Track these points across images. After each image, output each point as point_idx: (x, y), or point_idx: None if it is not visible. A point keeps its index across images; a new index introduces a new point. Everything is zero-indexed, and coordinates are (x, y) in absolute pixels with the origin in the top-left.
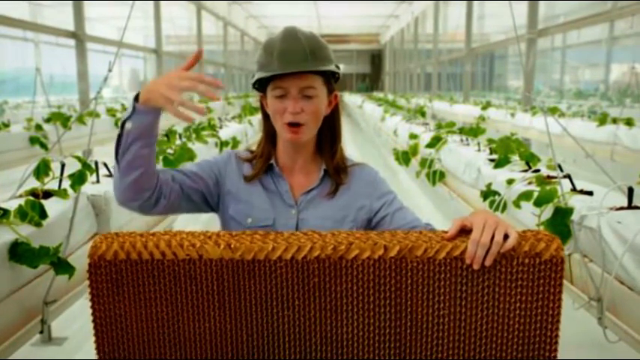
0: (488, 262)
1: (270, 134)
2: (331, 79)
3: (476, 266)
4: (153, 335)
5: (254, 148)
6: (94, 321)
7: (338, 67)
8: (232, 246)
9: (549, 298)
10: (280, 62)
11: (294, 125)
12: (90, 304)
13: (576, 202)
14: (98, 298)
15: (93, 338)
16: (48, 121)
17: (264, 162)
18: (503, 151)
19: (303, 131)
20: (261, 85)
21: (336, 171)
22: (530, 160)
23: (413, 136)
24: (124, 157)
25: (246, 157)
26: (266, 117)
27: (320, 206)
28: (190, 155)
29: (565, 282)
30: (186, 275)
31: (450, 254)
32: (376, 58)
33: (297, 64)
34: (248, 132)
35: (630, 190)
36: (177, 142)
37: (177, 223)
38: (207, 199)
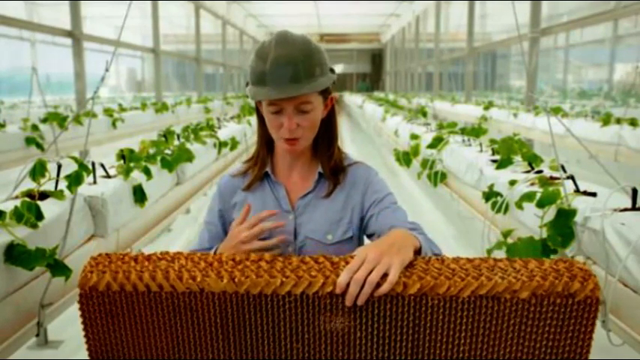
0: (360, 302)
1: (265, 139)
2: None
3: (348, 303)
4: None
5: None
6: (89, 352)
7: (333, 71)
8: (236, 280)
9: (579, 337)
10: (273, 80)
11: (290, 139)
12: (83, 333)
13: (580, 203)
14: (92, 328)
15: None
16: (44, 121)
17: (259, 170)
18: (506, 151)
19: (300, 143)
20: None
21: (333, 172)
22: (532, 160)
23: (414, 137)
24: None
25: (240, 172)
26: (262, 120)
27: (317, 209)
28: (189, 156)
29: None
30: (186, 307)
31: (475, 292)
32: (377, 58)
33: (290, 86)
34: (247, 132)
35: (634, 192)
36: (176, 142)
37: (175, 224)
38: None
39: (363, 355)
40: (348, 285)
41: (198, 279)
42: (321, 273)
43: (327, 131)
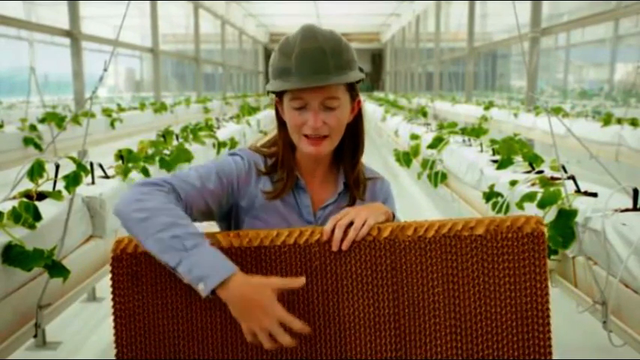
0: (344, 246)
1: (289, 143)
2: (355, 84)
3: (334, 247)
4: (168, 325)
5: (259, 143)
6: (114, 313)
7: (362, 70)
8: (240, 233)
9: (535, 271)
10: (299, 72)
11: (314, 138)
12: (111, 296)
13: (580, 203)
14: (119, 290)
15: (88, 343)
16: (42, 121)
17: (288, 177)
18: (506, 151)
19: (324, 144)
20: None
21: (355, 184)
22: (533, 161)
23: (414, 137)
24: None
25: (266, 170)
26: (282, 124)
27: None
28: (187, 156)
29: (569, 285)
30: None
31: (439, 232)
32: (377, 57)
33: (318, 76)
34: (246, 132)
35: (635, 192)
36: (175, 142)
37: None
38: (216, 214)
39: (350, 302)
40: (332, 233)
41: (209, 235)
42: (310, 227)
43: (353, 138)
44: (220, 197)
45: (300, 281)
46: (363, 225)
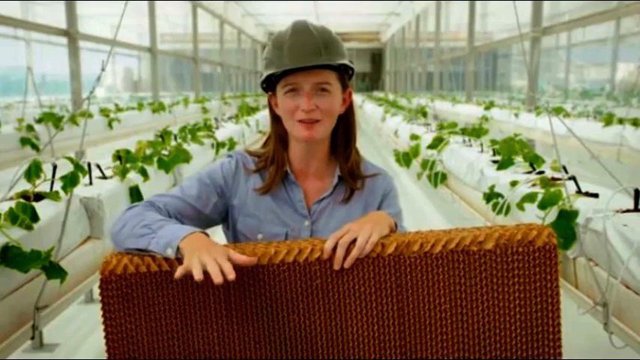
0: (347, 265)
1: (280, 137)
2: (345, 76)
3: (336, 266)
4: (163, 347)
5: (253, 147)
6: (106, 336)
7: (352, 63)
8: (236, 251)
9: (547, 286)
10: (291, 57)
11: (308, 122)
12: (102, 319)
13: (581, 204)
14: (110, 313)
15: (85, 344)
16: (39, 121)
17: (277, 170)
18: (507, 152)
19: (317, 128)
20: (270, 84)
21: (350, 175)
22: (534, 161)
23: (414, 137)
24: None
25: (256, 168)
26: (275, 118)
27: (334, 215)
28: (186, 157)
29: (570, 286)
30: (192, 285)
31: (446, 248)
32: (377, 57)
33: (309, 58)
34: (245, 133)
35: (637, 193)
36: (173, 142)
37: None
38: (213, 217)
39: (354, 320)
40: (334, 251)
41: None
42: (310, 243)
43: (345, 129)
44: (208, 198)
45: (249, 261)
46: (367, 241)
